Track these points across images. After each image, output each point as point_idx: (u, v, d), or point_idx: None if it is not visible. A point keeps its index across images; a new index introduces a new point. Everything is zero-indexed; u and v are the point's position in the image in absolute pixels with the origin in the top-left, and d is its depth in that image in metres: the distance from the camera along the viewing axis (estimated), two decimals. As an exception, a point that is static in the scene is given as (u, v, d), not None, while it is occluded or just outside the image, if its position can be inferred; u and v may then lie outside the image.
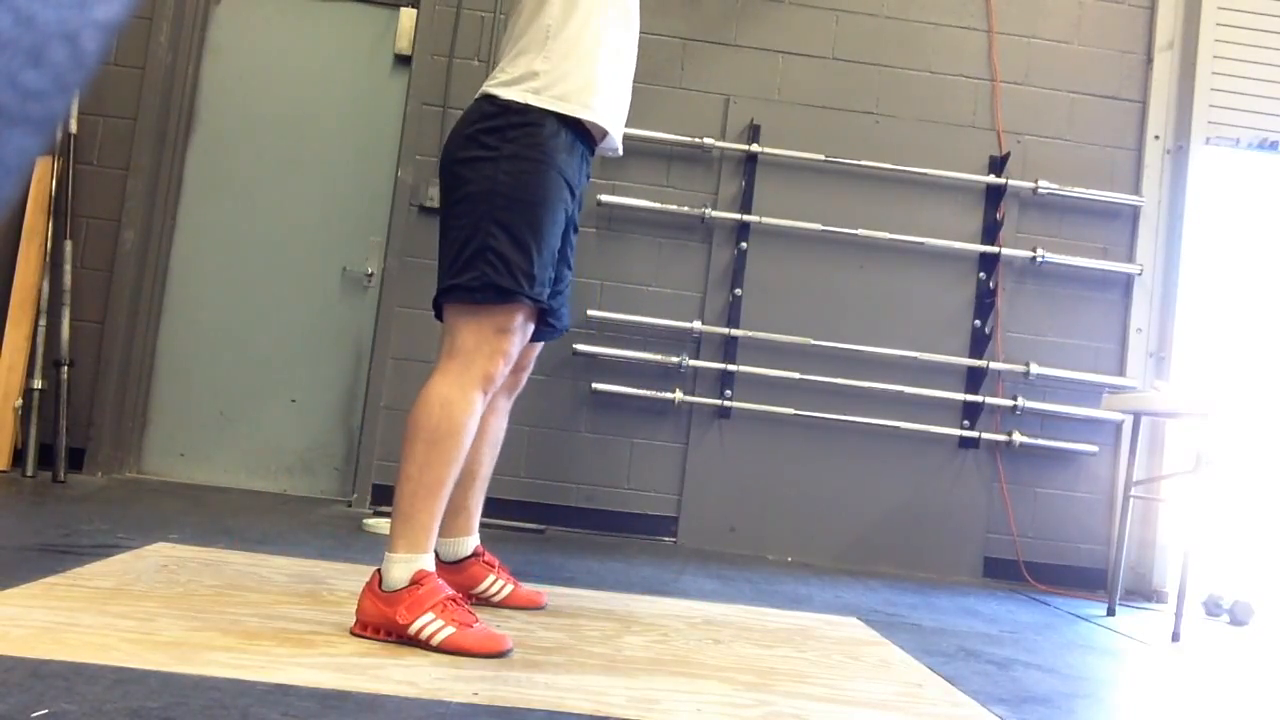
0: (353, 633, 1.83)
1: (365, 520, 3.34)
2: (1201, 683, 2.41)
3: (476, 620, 1.84)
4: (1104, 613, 3.34)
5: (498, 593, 2.26)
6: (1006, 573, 3.89)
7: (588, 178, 2.19)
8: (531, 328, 2.03)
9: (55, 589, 1.91)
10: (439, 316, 2.02)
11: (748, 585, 3.05)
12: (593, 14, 2.05)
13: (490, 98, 2.00)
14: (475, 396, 1.92)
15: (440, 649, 1.77)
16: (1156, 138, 4.05)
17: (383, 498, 3.72)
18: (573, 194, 2.07)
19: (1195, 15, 4.05)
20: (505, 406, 2.31)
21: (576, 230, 2.21)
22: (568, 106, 2.00)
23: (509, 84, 2.00)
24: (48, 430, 3.61)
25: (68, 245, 3.70)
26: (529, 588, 2.35)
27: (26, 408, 3.60)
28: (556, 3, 2.03)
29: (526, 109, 1.97)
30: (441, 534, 2.15)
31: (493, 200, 1.93)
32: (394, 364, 3.81)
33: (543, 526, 3.76)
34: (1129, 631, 3.06)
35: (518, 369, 2.26)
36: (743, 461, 3.87)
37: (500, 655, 1.80)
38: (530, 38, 2.02)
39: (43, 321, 3.66)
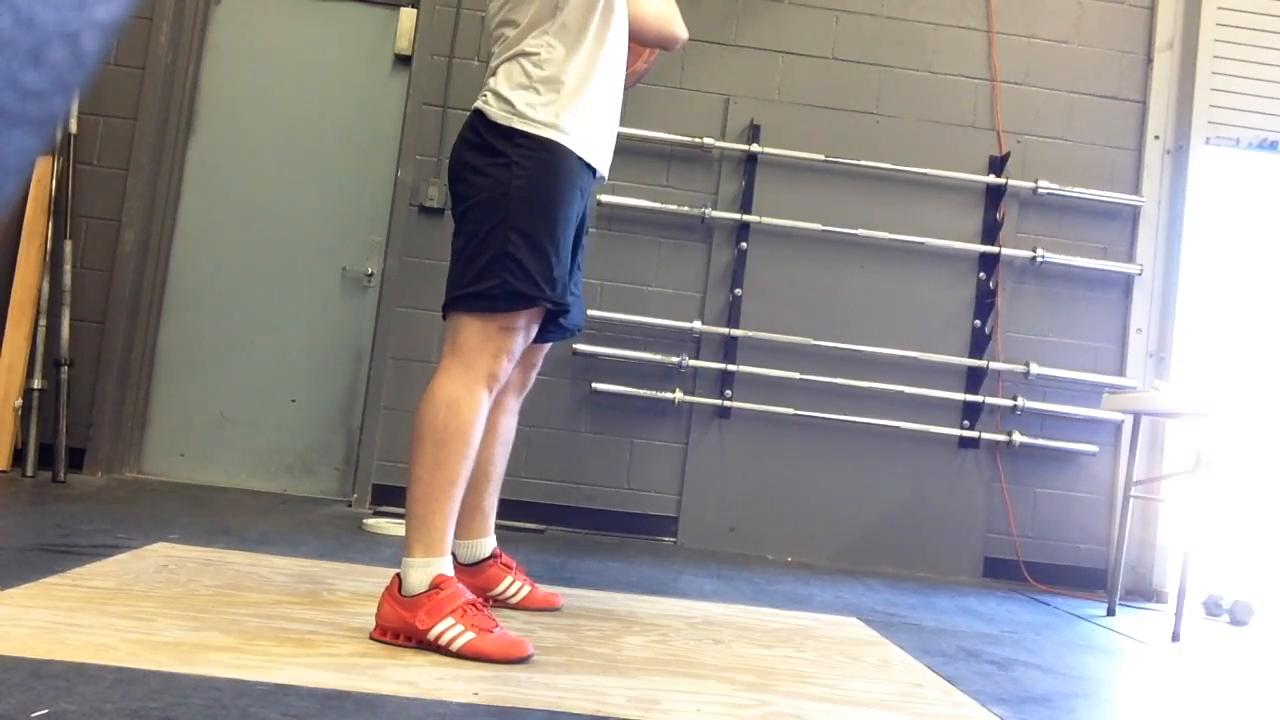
0: (372, 637, 1.81)
1: (365, 520, 3.34)
2: (1201, 683, 2.41)
3: (496, 625, 1.82)
4: (1104, 613, 3.34)
5: (515, 594, 2.25)
6: (1006, 573, 3.89)
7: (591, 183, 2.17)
8: (536, 326, 2.01)
9: (55, 589, 1.91)
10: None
11: (748, 585, 3.05)
12: (593, 49, 1.99)
13: (487, 114, 1.96)
14: (480, 394, 1.90)
15: (460, 654, 1.76)
16: (1156, 138, 4.05)
17: (383, 498, 3.72)
18: (581, 194, 2.05)
19: (1195, 15, 4.05)
20: (514, 405, 2.29)
21: (586, 231, 2.20)
22: (567, 139, 1.97)
23: (510, 112, 1.94)
24: (48, 430, 3.61)
25: (68, 245, 3.70)
26: (545, 589, 2.34)
27: (26, 408, 3.60)
28: (568, 30, 1.95)
29: (526, 131, 1.94)
30: (458, 536, 2.14)
31: (507, 205, 1.91)
32: (394, 364, 3.81)
33: (543, 526, 3.76)
34: (1129, 631, 3.06)
35: (526, 367, 2.24)
36: (743, 461, 3.87)
37: (522, 661, 1.78)
38: (532, 58, 1.96)
39: (43, 321, 3.66)
